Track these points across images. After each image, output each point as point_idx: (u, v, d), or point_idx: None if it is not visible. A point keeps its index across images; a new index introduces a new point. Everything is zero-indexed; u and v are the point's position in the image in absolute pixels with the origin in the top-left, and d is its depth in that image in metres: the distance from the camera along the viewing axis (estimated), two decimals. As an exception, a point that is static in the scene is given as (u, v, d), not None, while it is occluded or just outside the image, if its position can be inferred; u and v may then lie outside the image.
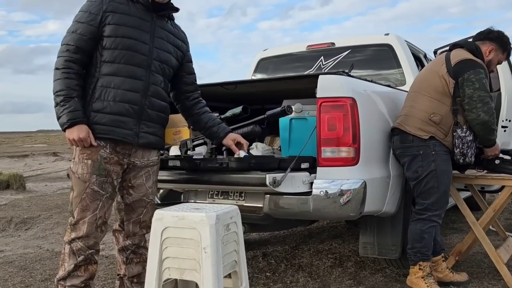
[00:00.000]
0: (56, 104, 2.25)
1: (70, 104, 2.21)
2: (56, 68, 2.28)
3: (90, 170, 2.28)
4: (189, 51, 2.77)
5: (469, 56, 3.00)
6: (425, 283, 2.97)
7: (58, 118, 2.25)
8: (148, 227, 2.47)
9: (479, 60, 3.00)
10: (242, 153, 2.76)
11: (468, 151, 2.99)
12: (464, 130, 2.97)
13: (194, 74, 2.81)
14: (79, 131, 2.20)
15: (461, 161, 3.02)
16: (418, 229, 2.99)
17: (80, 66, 2.30)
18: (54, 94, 2.26)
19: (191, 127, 3.18)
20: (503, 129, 4.82)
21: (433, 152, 2.96)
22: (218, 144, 2.83)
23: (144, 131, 2.40)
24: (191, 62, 2.81)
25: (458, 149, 2.98)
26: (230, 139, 2.73)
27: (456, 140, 2.99)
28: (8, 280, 3.65)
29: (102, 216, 2.31)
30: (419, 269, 3.00)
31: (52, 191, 9.83)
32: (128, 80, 2.34)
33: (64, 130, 2.26)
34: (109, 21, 2.30)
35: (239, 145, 2.73)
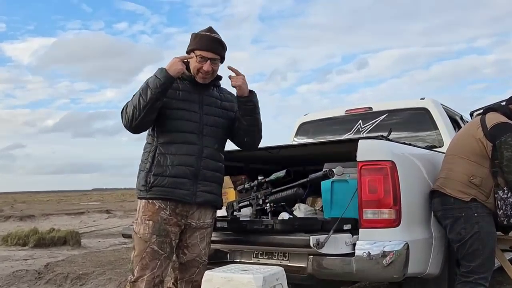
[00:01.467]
0: (144, 89, 2.34)
1: (148, 79, 2.38)
2: (122, 110, 2.46)
3: (151, 230, 2.33)
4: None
5: (504, 119, 2.96)
6: None
7: (155, 84, 2.31)
8: (199, 287, 2.45)
9: None
10: (286, 215, 2.76)
11: (511, 212, 2.89)
12: (506, 191, 2.89)
13: None
14: (173, 65, 2.37)
15: (505, 222, 2.91)
16: None
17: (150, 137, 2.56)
18: (132, 99, 2.40)
19: (237, 189, 3.22)
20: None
21: (475, 214, 2.87)
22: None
23: (201, 190, 2.46)
24: None
25: (501, 211, 2.89)
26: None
27: (499, 202, 2.90)
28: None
29: (159, 274, 2.33)
30: None
31: (104, 247, 9.98)
32: (183, 146, 2.43)
33: (165, 79, 2.32)
34: (167, 96, 2.42)
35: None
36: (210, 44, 2.49)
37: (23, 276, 6.43)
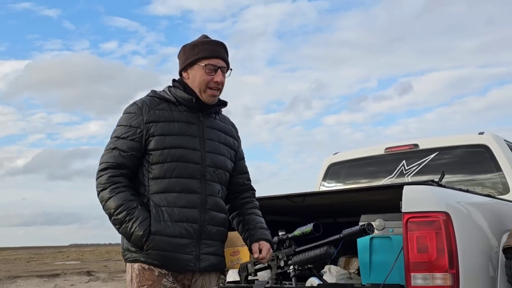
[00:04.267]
0: (121, 223, 2.21)
1: (137, 214, 2.21)
2: (102, 189, 2.27)
3: None
4: (240, 146, 2.75)
5: None
6: None
7: (130, 236, 2.21)
8: None
9: None
10: (315, 281, 2.73)
11: None
12: None
13: (247, 173, 2.78)
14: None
15: None
16: None
17: (127, 179, 2.31)
18: (113, 215, 2.22)
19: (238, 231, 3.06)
20: None
21: None
22: (248, 247, 2.61)
23: (204, 252, 2.35)
24: (243, 159, 2.77)
25: None
26: (259, 244, 2.51)
27: None
28: None
29: None
30: None
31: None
32: (183, 196, 2.30)
33: (142, 246, 2.21)
34: (152, 132, 2.30)
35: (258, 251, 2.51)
36: (217, 50, 2.46)
37: None
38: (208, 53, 2.41)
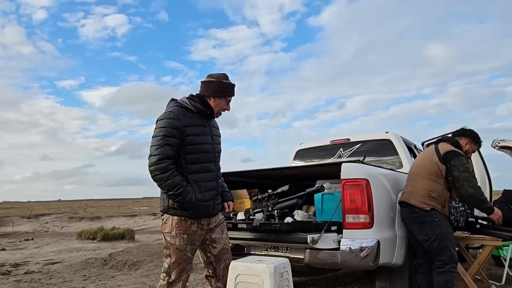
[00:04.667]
0: (177, 196, 2.09)
1: (189, 190, 2.10)
2: (161, 173, 2.07)
3: (186, 242, 2.17)
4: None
5: (453, 148, 2.95)
6: None
7: (185, 202, 2.10)
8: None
9: (459, 151, 2.94)
10: (290, 219, 2.74)
11: (460, 218, 2.88)
12: (457, 202, 2.89)
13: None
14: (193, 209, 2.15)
15: (455, 224, 2.88)
16: (443, 280, 2.76)
17: (175, 166, 2.13)
18: (171, 191, 2.08)
19: (252, 199, 3.12)
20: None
21: (436, 219, 2.82)
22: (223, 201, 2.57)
23: (216, 204, 2.32)
24: None
25: (453, 216, 2.88)
26: (227, 204, 2.54)
27: (452, 210, 2.88)
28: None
29: (189, 274, 2.23)
30: None
31: (152, 241, 9.90)
32: (207, 174, 2.24)
33: (190, 205, 2.11)
34: (188, 133, 2.15)
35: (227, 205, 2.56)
36: (234, 91, 2.36)
37: (93, 263, 6.41)
38: (231, 93, 2.34)
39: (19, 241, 11.62)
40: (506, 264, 4.62)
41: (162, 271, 2.21)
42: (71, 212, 26.38)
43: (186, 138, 2.15)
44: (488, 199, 4.77)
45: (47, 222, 20.19)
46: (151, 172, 2.09)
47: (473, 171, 4.62)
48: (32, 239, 12.20)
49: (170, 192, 2.09)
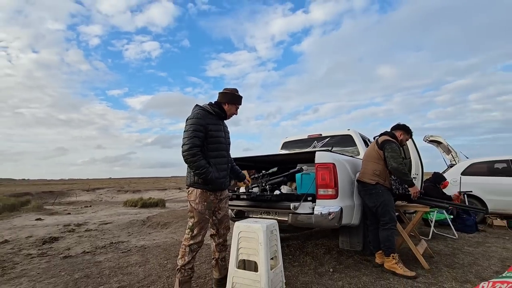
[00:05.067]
0: (203, 173, 2.10)
1: (210, 170, 2.13)
2: (192, 157, 2.08)
3: (205, 207, 2.18)
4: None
5: (387, 138, 2.97)
6: (398, 265, 2.73)
7: (207, 178, 2.12)
8: (228, 229, 2.39)
9: (392, 139, 2.95)
10: (277, 192, 2.73)
11: (399, 187, 2.90)
12: (394, 176, 2.90)
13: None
14: (214, 185, 2.16)
15: (396, 192, 2.90)
16: (385, 234, 2.80)
17: (201, 152, 2.14)
18: (200, 169, 2.09)
19: (250, 177, 3.11)
20: (414, 178, 4.57)
21: (380, 191, 2.84)
22: (241, 180, 2.69)
23: (226, 181, 2.35)
24: None
25: (393, 186, 2.90)
26: (244, 180, 2.67)
27: (392, 182, 2.90)
28: (158, 255, 3.62)
29: (207, 230, 2.23)
30: (392, 258, 2.76)
31: (178, 207, 9.89)
32: (223, 159, 2.25)
33: (210, 181, 2.12)
34: (209, 129, 2.17)
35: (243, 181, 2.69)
36: (241, 101, 2.39)
37: (135, 223, 6.40)
38: (239, 103, 2.36)
39: (81, 208, 11.59)
40: (432, 224, 4.70)
41: (187, 227, 2.22)
42: (119, 187, 26.31)
43: (209, 133, 2.16)
44: (420, 178, 4.80)
45: (101, 194, 20.13)
46: (184, 156, 2.10)
47: (409, 157, 4.64)
48: (90, 206, 12.17)
49: (197, 171, 2.10)
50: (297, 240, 4.19)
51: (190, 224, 2.19)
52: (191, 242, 2.16)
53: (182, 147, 2.12)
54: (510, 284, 1.65)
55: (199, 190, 2.19)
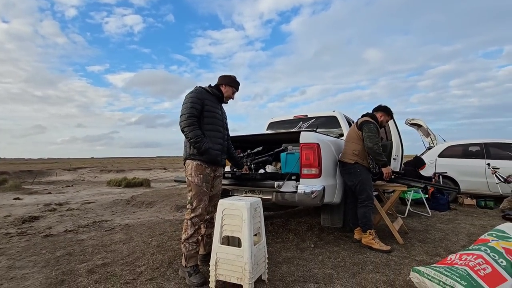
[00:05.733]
0: (196, 142, 2.14)
1: (205, 140, 2.17)
2: (188, 126, 2.14)
3: (202, 180, 2.20)
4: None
5: (366, 119, 3.02)
6: (374, 241, 2.85)
7: (201, 148, 2.15)
8: (216, 207, 2.40)
9: (370, 119, 3.00)
10: (262, 171, 2.75)
11: (376, 166, 2.97)
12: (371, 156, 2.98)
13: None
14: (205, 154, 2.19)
15: (373, 171, 2.98)
16: (363, 211, 2.90)
17: (198, 123, 2.20)
18: (193, 138, 2.14)
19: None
20: (394, 159, 4.73)
21: (358, 170, 2.91)
22: (240, 168, 2.82)
23: (223, 158, 2.39)
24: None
25: (371, 166, 2.96)
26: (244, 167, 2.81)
27: (369, 161, 2.96)
28: (142, 233, 3.62)
29: (207, 203, 2.23)
30: (369, 234, 2.88)
31: (163, 187, 9.85)
32: (218, 133, 2.29)
33: (204, 151, 2.15)
34: (206, 104, 2.24)
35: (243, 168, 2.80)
36: (238, 87, 2.48)
37: (119, 202, 6.34)
38: (236, 87, 2.45)
39: (62, 187, 11.31)
40: (408, 203, 4.93)
41: (187, 202, 2.25)
42: (102, 166, 25.74)
43: (205, 107, 2.23)
44: (400, 159, 4.96)
45: (83, 174, 19.65)
46: (181, 125, 2.16)
47: (391, 139, 4.76)
48: (72, 186, 11.90)
49: (192, 139, 2.15)
50: (281, 218, 4.29)
51: (189, 198, 2.23)
52: (192, 215, 2.18)
53: (180, 117, 2.19)
54: (475, 256, 1.78)
55: (195, 162, 2.22)
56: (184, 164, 2.30)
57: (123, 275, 2.28)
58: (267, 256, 2.18)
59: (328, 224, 3.12)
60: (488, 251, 1.79)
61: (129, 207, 5.79)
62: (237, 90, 2.48)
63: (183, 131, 2.18)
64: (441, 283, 1.68)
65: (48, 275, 2.34)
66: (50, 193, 9.02)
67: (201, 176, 2.21)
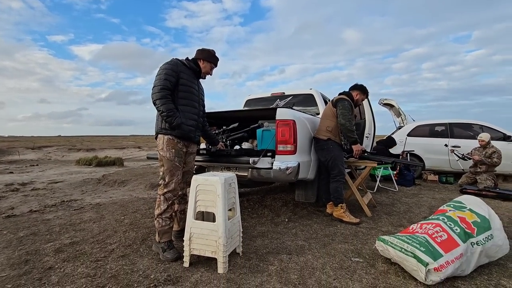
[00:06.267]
0: (168, 117, 2.07)
1: (177, 115, 2.10)
2: (160, 98, 2.06)
3: (174, 154, 2.15)
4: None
5: (342, 96, 3.07)
6: (345, 214, 2.98)
7: (173, 123, 2.08)
8: (189, 184, 2.39)
9: (345, 97, 3.05)
10: (237, 147, 2.73)
11: (347, 143, 3.06)
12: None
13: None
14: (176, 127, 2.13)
15: (345, 147, 3.07)
16: (335, 186, 2.99)
17: (171, 96, 2.12)
18: (165, 112, 2.06)
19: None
20: (367, 138, 4.91)
21: (331, 147, 2.98)
22: (214, 145, 2.78)
23: (197, 134, 2.33)
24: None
25: (343, 142, 3.05)
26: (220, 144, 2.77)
27: (342, 137, 3.05)
28: (114, 212, 3.54)
29: (180, 178, 2.19)
30: (341, 207, 2.99)
31: (137, 166, 9.58)
32: (192, 109, 2.23)
33: (176, 126, 2.09)
34: (181, 77, 2.16)
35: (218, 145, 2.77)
36: (217, 63, 2.39)
37: (89, 182, 6.10)
38: (215, 63, 2.37)
39: (25, 167, 10.62)
40: (378, 179, 5.20)
41: (159, 178, 2.21)
42: (70, 145, 24.38)
43: (180, 80, 2.15)
44: (372, 137, 5.16)
45: (49, 152, 18.54)
46: (153, 98, 2.07)
47: (364, 118, 4.90)
48: (37, 165, 11.21)
49: (164, 113, 2.07)
50: (257, 195, 4.36)
51: (161, 173, 2.18)
52: (165, 190, 2.14)
53: (152, 89, 2.10)
54: (434, 225, 1.93)
55: (166, 137, 2.16)
56: (155, 138, 2.23)
57: (94, 253, 2.23)
58: (241, 230, 2.21)
59: (302, 199, 3.21)
60: (446, 220, 1.94)
61: (100, 186, 5.60)
62: (216, 66, 2.38)
63: (154, 104, 2.09)
64: (403, 250, 1.81)
65: (10, 256, 2.22)
66: (12, 172, 8.45)
67: (173, 150, 2.16)
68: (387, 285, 1.70)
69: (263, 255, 2.16)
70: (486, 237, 1.86)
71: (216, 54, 2.37)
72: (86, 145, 26.06)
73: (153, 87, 2.09)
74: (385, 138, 5.61)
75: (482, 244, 1.83)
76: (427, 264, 1.66)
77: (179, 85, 2.15)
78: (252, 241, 2.44)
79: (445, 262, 1.67)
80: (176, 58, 2.23)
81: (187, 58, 2.30)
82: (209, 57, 2.32)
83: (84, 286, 1.73)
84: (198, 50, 2.34)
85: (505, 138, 5.71)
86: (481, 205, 2.06)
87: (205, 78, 2.39)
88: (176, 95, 2.15)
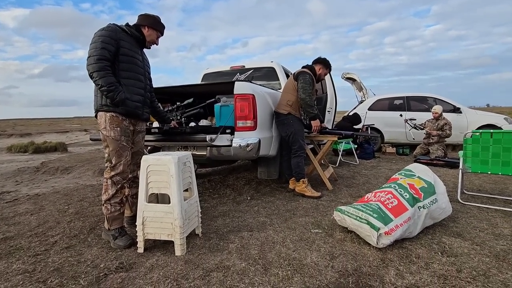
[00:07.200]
0: (110, 91, 1.92)
1: (120, 89, 1.95)
2: (98, 71, 1.89)
3: (120, 133, 2.02)
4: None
5: (304, 70, 3.12)
6: (307, 188, 3.10)
7: (115, 99, 1.94)
8: (139, 166, 2.29)
9: (307, 71, 3.11)
10: (192, 124, 2.66)
11: (307, 117, 3.15)
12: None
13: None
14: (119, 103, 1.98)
15: (305, 122, 3.17)
16: (296, 162, 3.09)
17: (111, 68, 1.96)
18: (104, 86, 1.90)
19: (165, 110, 2.94)
20: (328, 112, 5.10)
21: (291, 121, 3.04)
22: (167, 124, 2.65)
23: (145, 111, 2.20)
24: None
25: (303, 117, 3.15)
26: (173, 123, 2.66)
27: (302, 112, 3.13)
28: (56, 202, 3.30)
29: (129, 159, 2.09)
30: (302, 182, 3.11)
31: (84, 152, 8.95)
32: (138, 82, 2.09)
33: (119, 102, 1.97)
34: (122, 45, 1.99)
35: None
36: (163, 31, 2.24)
37: (25, 170, 5.57)
38: (161, 30, 2.22)
39: None
40: (340, 153, 5.50)
41: (105, 160, 2.07)
42: (-1, 130, 21.79)
43: (120, 49, 1.99)
44: (334, 112, 5.38)
45: (-28, 140, 16.41)
46: (89, 69, 1.90)
47: (326, 92, 5.06)
48: (-44, 155, 9.88)
49: (103, 88, 1.92)
50: (219, 175, 4.37)
51: (106, 155, 2.05)
52: (112, 173, 2.04)
53: (87, 59, 1.92)
54: (386, 192, 2.12)
55: (109, 114, 2.01)
56: (95, 117, 2.08)
57: (32, 247, 2.08)
58: (200, 210, 2.21)
59: (265, 176, 3.29)
60: (397, 187, 2.14)
61: (39, 175, 5.15)
62: (162, 35, 2.24)
63: (91, 77, 1.92)
64: (358, 218, 1.97)
65: None
66: None
67: (118, 129, 2.03)
68: (343, 251, 1.86)
69: (223, 234, 2.20)
70: (431, 201, 2.10)
71: (162, 21, 2.23)
72: (20, 129, 23.50)
73: (88, 57, 1.92)
74: (351, 114, 5.90)
75: (427, 207, 2.06)
76: (379, 229, 1.83)
77: (119, 55, 1.99)
78: (213, 221, 2.47)
79: (394, 226, 1.86)
80: (113, 24, 2.04)
81: (127, 24, 2.12)
82: (154, 24, 2.16)
83: (22, 283, 1.62)
84: (141, 15, 2.17)
85: (455, 110, 6.35)
86: (427, 172, 2.30)
87: (150, 47, 2.24)
88: (116, 67, 1.99)
